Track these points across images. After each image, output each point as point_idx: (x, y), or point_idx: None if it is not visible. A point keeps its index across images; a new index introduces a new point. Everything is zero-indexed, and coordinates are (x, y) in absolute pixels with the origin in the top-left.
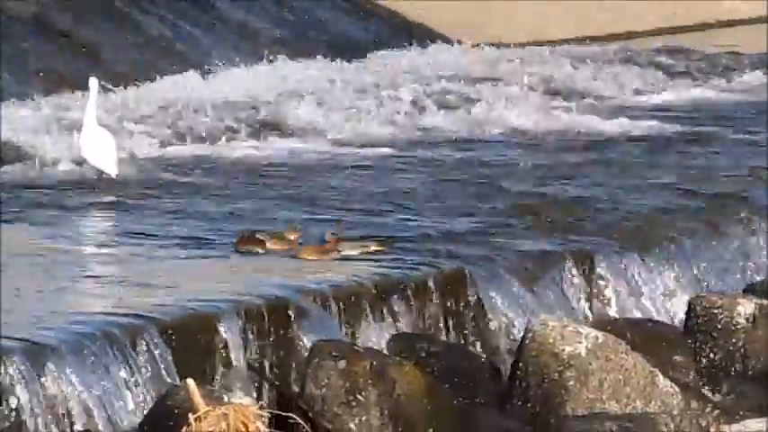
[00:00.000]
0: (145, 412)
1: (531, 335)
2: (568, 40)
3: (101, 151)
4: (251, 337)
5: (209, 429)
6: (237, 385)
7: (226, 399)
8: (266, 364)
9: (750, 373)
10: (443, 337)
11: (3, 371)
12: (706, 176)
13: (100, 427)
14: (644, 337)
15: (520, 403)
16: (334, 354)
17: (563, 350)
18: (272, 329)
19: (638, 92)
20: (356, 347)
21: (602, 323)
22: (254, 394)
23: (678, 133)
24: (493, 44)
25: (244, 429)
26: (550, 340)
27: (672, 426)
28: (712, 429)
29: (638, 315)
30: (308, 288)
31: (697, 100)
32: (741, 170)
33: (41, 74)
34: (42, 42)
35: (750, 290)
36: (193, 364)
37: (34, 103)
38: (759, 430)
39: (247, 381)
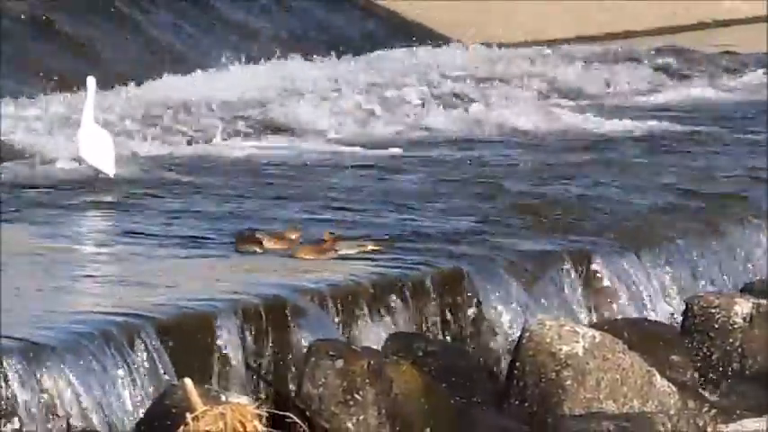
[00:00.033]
0: (142, 411)
1: (528, 334)
2: (568, 39)
3: (98, 151)
4: (248, 336)
5: (207, 428)
6: (235, 385)
7: (223, 398)
8: (264, 364)
9: (747, 372)
10: (441, 337)
11: (2, 370)
12: (706, 176)
13: (97, 427)
14: (641, 336)
15: (517, 403)
16: (331, 353)
17: (560, 350)
18: (269, 329)
19: (638, 92)
20: (353, 347)
21: (600, 323)
22: (252, 394)
23: (678, 133)
24: (493, 44)
25: (241, 428)
26: (548, 340)
27: (669, 425)
28: (709, 429)
29: (635, 315)
30: (305, 287)
31: (697, 100)
32: (741, 170)
33: (41, 74)
34: (42, 42)
35: (747, 289)
36: (191, 363)
37: (34, 102)
38: (756, 430)
39: (245, 380)
